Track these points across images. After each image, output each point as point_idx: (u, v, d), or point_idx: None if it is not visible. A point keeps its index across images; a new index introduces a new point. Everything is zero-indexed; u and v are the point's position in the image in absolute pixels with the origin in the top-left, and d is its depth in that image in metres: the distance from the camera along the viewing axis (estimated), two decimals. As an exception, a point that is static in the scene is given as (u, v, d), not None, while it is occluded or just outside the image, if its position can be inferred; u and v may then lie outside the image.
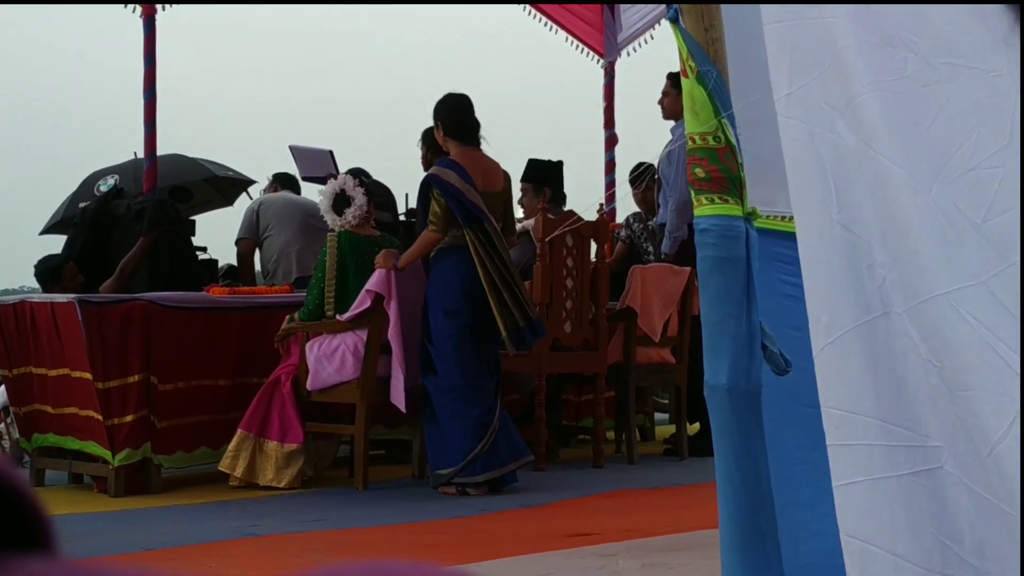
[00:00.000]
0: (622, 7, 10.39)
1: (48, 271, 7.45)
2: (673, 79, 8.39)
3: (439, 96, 6.91)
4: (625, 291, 7.78)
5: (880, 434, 2.03)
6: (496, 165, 6.87)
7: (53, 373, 6.77)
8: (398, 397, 6.63)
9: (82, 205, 8.25)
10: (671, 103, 8.37)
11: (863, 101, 2.03)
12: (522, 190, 8.16)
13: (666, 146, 8.46)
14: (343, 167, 8.35)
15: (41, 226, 9.96)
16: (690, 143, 2.41)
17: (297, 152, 8.71)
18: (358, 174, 8.28)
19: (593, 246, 7.66)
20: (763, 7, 2.16)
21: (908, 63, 2.02)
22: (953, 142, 1.97)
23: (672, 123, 8.38)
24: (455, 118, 6.81)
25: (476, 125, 6.84)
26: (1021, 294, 2.00)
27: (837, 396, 2.10)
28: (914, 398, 2.02)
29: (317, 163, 8.44)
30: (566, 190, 8.46)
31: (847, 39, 2.07)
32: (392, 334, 6.61)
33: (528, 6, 10.49)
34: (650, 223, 8.77)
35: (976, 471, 1.96)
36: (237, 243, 8.59)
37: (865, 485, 2.06)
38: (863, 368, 2.07)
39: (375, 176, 8.55)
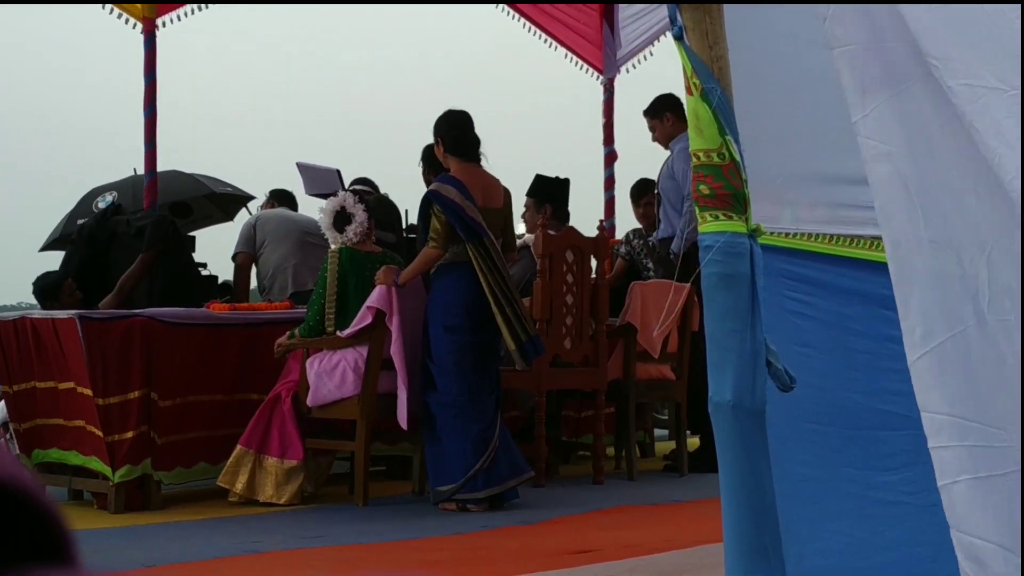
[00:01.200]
0: (621, 23, 10.42)
1: (47, 288, 7.45)
2: (651, 111, 8.48)
3: (439, 112, 6.92)
4: (625, 307, 7.79)
5: (980, 436, 2.12)
6: (496, 181, 6.87)
7: (55, 388, 6.76)
8: (400, 414, 6.62)
9: (80, 222, 8.26)
10: (662, 132, 8.46)
11: (942, 122, 2.09)
12: (525, 205, 8.17)
13: (666, 160, 8.49)
14: (347, 181, 8.36)
15: (40, 243, 9.97)
16: (694, 160, 2.42)
17: (304, 169, 8.72)
18: (364, 184, 8.30)
19: (593, 262, 7.66)
20: (827, 32, 2.21)
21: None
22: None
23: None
24: (455, 134, 6.81)
25: (476, 141, 6.85)
26: (1021, 296, 2.02)
27: (937, 402, 2.19)
28: (1008, 402, 2.11)
29: (324, 181, 8.45)
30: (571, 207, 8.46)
31: (912, 62, 2.11)
32: (395, 351, 6.61)
33: (529, 23, 10.51)
34: (650, 239, 8.78)
35: None
36: (234, 257, 8.60)
37: (968, 484, 2.15)
38: (962, 374, 2.16)
39: (380, 188, 8.56)
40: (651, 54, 10.59)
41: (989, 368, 2.14)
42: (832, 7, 2.24)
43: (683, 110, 8.69)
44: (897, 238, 2.22)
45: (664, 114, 8.44)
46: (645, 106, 8.67)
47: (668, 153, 8.53)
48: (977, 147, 2.08)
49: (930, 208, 2.17)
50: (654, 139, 8.58)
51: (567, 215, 8.08)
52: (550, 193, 8.06)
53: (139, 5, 8.53)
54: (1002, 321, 2.12)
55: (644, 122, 8.72)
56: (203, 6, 8.84)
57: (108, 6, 8.63)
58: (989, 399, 2.14)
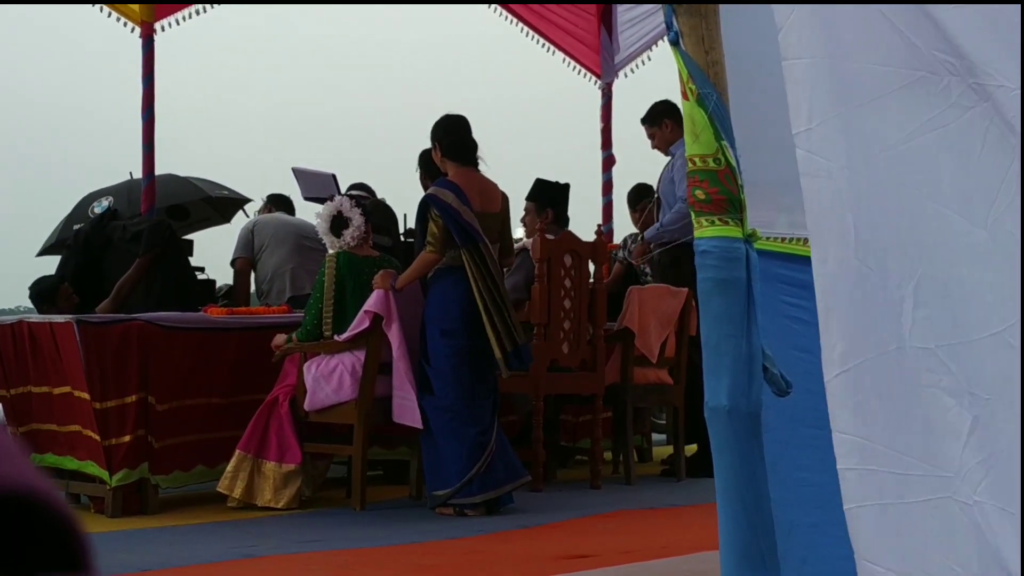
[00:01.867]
0: (619, 28, 10.43)
1: (43, 292, 7.44)
2: (649, 119, 8.51)
3: (437, 117, 6.93)
4: (622, 312, 7.79)
5: (891, 462, 2.08)
6: (494, 186, 6.87)
7: (52, 392, 6.76)
8: (413, 415, 6.58)
9: (76, 227, 8.26)
10: (661, 139, 8.49)
11: (912, 142, 2.08)
12: (525, 209, 8.17)
13: (666, 165, 8.50)
14: (344, 187, 8.36)
15: (37, 247, 9.96)
16: (690, 165, 2.42)
17: (300, 174, 8.73)
18: (361, 189, 8.31)
19: (591, 267, 7.66)
20: (781, 43, 2.21)
21: (952, 88, 2.05)
22: (1001, 165, 2.00)
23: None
24: (452, 139, 6.82)
25: (474, 146, 6.86)
26: (1021, 299, 2.01)
27: (849, 422, 2.15)
28: (932, 430, 2.08)
29: (320, 185, 8.46)
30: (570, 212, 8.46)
31: (885, 78, 2.11)
32: (397, 355, 6.60)
33: (527, 28, 10.52)
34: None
35: (1012, 496, 2.02)
36: (233, 262, 8.61)
37: (875, 509, 2.13)
38: (877, 398, 2.13)
39: (377, 194, 8.57)
40: (649, 59, 10.61)
41: (905, 395, 2.13)
42: (791, 16, 2.24)
43: (679, 114, 8.73)
44: (825, 254, 2.21)
45: (662, 121, 8.46)
46: (642, 112, 8.68)
47: (667, 158, 8.54)
48: (920, 174, 2.08)
49: (862, 230, 2.16)
50: (653, 146, 8.61)
51: (567, 220, 8.09)
52: (552, 197, 8.06)
53: (137, 10, 8.53)
54: (923, 349, 2.11)
55: (642, 127, 8.73)
56: (202, 10, 8.84)
57: (106, 10, 8.63)
58: (902, 426, 2.12)
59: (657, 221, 8.60)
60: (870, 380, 2.13)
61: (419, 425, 6.58)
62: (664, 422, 9.52)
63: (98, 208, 8.54)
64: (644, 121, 8.63)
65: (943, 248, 2.08)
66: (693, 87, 2.39)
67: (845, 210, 2.16)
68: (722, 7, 2.40)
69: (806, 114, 2.21)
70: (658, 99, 8.62)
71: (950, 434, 2.09)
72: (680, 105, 2.43)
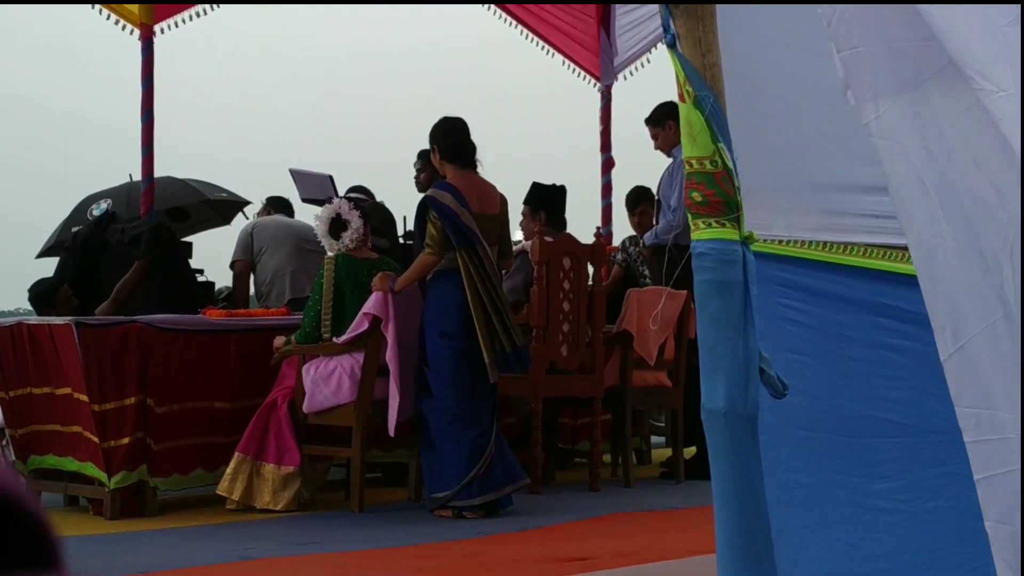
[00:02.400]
0: (618, 31, 10.43)
1: (42, 295, 7.44)
2: (653, 120, 8.53)
3: (435, 120, 6.94)
4: (621, 314, 7.79)
5: (1015, 427, 2.12)
6: (492, 188, 6.88)
7: (51, 394, 6.76)
8: (390, 421, 6.62)
9: (75, 230, 8.26)
10: (664, 140, 8.51)
11: (975, 113, 2.10)
12: (522, 212, 8.18)
13: (667, 167, 8.51)
14: (342, 190, 8.37)
15: (36, 248, 9.96)
16: (687, 167, 2.42)
17: (297, 175, 8.74)
18: (360, 191, 8.32)
19: (590, 269, 7.66)
20: (833, 37, 2.22)
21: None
22: None
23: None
24: (451, 141, 6.83)
25: (472, 148, 6.87)
26: (1021, 300, 2.02)
27: (971, 397, 2.21)
28: None
29: (317, 187, 8.48)
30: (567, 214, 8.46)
31: (934, 54, 2.12)
32: (390, 357, 6.61)
33: (526, 30, 10.53)
34: (641, 241, 8.82)
35: None
36: (232, 265, 8.61)
37: (1008, 476, 2.17)
38: (993, 368, 2.17)
39: (376, 196, 8.58)
40: (648, 61, 10.61)
41: (1019, 360, 2.16)
42: (837, 10, 2.24)
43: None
44: (919, 237, 2.23)
45: (666, 122, 8.47)
46: (644, 114, 8.70)
47: (667, 161, 8.55)
48: (991, 143, 2.09)
49: (949, 205, 2.18)
50: (656, 147, 8.62)
51: (564, 222, 8.09)
52: (545, 200, 8.06)
53: (136, 12, 8.53)
54: None
55: (641, 129, 8.74)
56: (201, 12, 8.85)
57: (105, 12, 8.64)
58: (1016, 389, 2.15)
59: (655, 222, 8.61)
60: (984, 352, 2.17)
61: (391, 433, 6.61)
62: (663, 424, 9.52)
63: (96, 210, 8.54)
64: (648, 122, 8.64)
65: (1004, 214, 2.09)
66: (690, 89, 2.39)
67: (929, 189, 2.18)
68: (719, 10, 2.40)
69: (872, 102, 2.22)
70: (657, 102, 8.63)
71: None
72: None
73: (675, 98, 2.51)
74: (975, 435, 2.18)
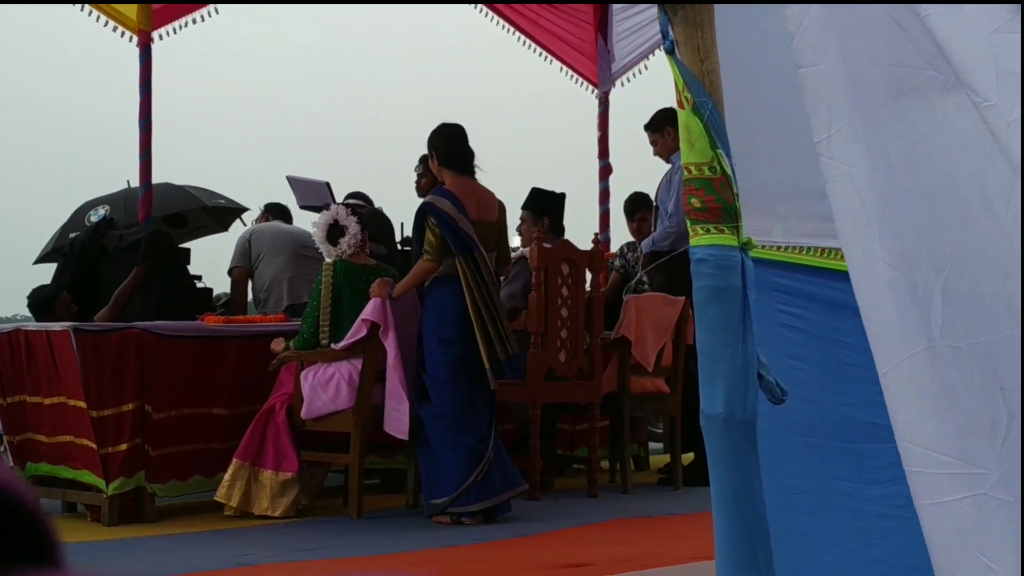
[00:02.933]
0: (616, 37, 10.44)
1: (41, 301, 7.45)
2: (652, 126, 8.54)
3: (433, 126, 6.94)
4: (619, 320, 7.79)
5: (927, 462, 2.12)
6: (491, 194, 6.88)
7: (48, 401, 6.76)
8: (400, 426, 6.60)
9: (72, 236, 8.26)
10: (663, 146, 8.51)
11: (929, 142, 2.10)
12: (521, 218, 8.18)
13: (666, 174, 8.51)
14: (339, 196, 8.38)
15: (34, 254, 9.96)
16: (686, 173, 2.43)
17: (295, 182, 8.75)
18: (358, 198, 8.32)
19: (588, 275, 7.66)
20: (795, 51, 2.22)
21: (958, 86, 2.06)
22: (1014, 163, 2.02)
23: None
24: (450, 147, 6.83)
25: (471, 154, 6.87)
26: (1021, 303, 2.02)
27: (896, 424, 2.22)
28: (968, 428, 2.10)
29: (314, 193, 8.49)
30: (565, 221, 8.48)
31: (898, 79, 2.12)
32: (392, 363, 6.61)
33: (523, 36, 10.54)
34: (639, 248, 8.82)
35: None
36: (230, 271, 8.62)
37: (923, 509, 2.19)
38: (913, 397, 2.19)
39: (374, 202, 8.59)
40: (645, 68, 10.62)
41: (939, 393, 2.15)
42: (802, 23, 2.25)
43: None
44: (856, 259, 2.24)
45: (666, 128, 8.47)
46: (642, 120, 8.70)
47: (666, 167, 8.55)
48: (939, 174, 2.10)
49: (888, 231, 2.18)
50: (655, 153, 8.63)
51: (563, 229, 8.10)
52: (548, 206, 8.07)
53: (135, 18, 8.54)
54: (953, 348, 2.13)
55: (639, 135, 8.74)
56: (199, 18, 8.86)
57: (103, 19, 8.64)
58: (937, 424, 2.14)
59: (653, 229, 8.62)
60: (906, 380, 2.16)
61: (405, 437, 6.60)
62: (661, 431, 9.52)
63: (94, 217, 8.54)
64: (647, 127, 8.65)
65: (967, 247, 2.09)
66: (689, 96, 2.40)
67: (870, 214, 2.18)
68: (717, 16, 2.41)
69: (825, 120, 2.23)
70: (655, 108, 8.63)
71: (985, 431, 2.11)
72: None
73: (673, 105, 2.51)
74: (906, 464, 2.21)
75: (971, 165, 2.07)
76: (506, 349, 6.60)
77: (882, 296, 2.18)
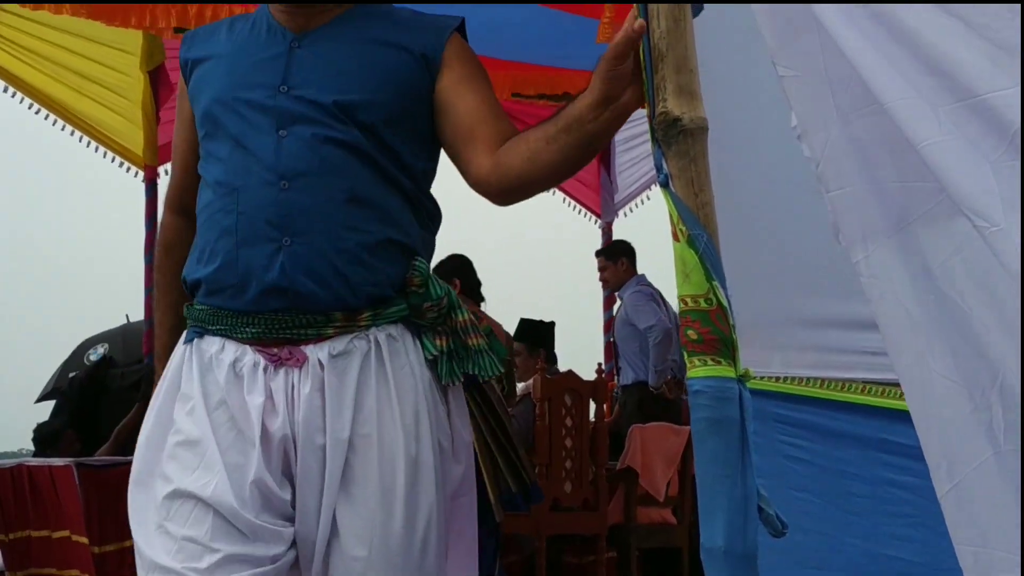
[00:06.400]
0: (618, 168, 10.54)
1: (47, 437, 7.44)
2: (606, 254, 8.62)
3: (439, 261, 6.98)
4: (625, 451, 7.75)
5: (1009, 566, 2.11)
6: (498, 326, 6.89)
7: (49, 537, 6.70)
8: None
9: (71, 375, 8.26)
10: (614, 275, 8.60)
11: (965, 252, 2.11)
12: (516, 351, 8.19)
13: (618, 310, 8.61)
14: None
15: (36, 391, 9.95)
16: (682, 305, 2.43)
17: None
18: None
19: (592, 405, 7.64)
20: (821, 176, 2.25)
21: None
22: None
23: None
24: (465, 277, 6.87)
25: (478, 284, 6.91)
26: (1021, 308, 2.01)
27: (966, 534, 2.19)
28: None
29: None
30: (564, 350, 8.51)
31: (925, 193, 2.14)
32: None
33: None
34: (616, 392, 8.85)
35: None
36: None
37: None
38: (986, 506, 2.16)
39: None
40: (648, 198, 10.70)
41: (1009, 499, 2.14)
42: (825, 150, 2.27)
43: (635, 257, 8.85)
44: (909, 375, 2.24)
45: (619, 259, 8.58)
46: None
47: (668, 292, 8.60)
48: (978, 285, 2.10)
49: (936, 345, 2.18)
50: (602, 278, 8.71)
51: (555, 358, 8.11)
52: (541, 336, 8.09)
53: (140, 153, 8.62)
54: (1016, 451, 2.12)
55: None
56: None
57: (109, 155, 8.74)
58: (1012, 530, 2.13)
59: (615, 364, 8.67)
60: (977, 490, 2.15)
61: None
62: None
63: (93, 356, 8.55)
64: (601, 253, 8.76)
65: (1014, 346, 2.09)
66: (684, 228, 2.41)
67: (918, 328, 2.19)
68: (711, 150, 2.43)
69: (860, 241, 2.25)
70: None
71: None
72: (671, 246, 2.44)
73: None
74: (974, 573, 2.16)
75: (999, 272, 2.08)
76: (521, 479, 6.55)
77: (941, 408, 2.18)
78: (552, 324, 8.22)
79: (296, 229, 2.59)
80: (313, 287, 2.58)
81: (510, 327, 7.12)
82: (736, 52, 3.19)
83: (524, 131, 2.70)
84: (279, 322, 2.62)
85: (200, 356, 2.72)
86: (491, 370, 2.84)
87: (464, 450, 2.88)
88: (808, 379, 3.35)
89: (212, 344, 2.71)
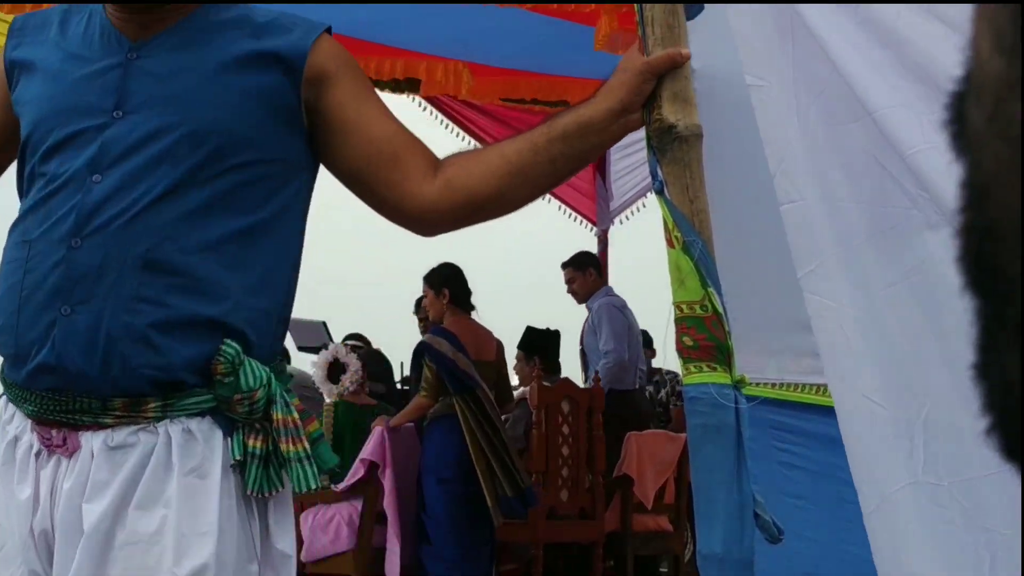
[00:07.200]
0: (614, 176, 10.53)
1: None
2: (573, 264, 8.63)
3: (431, 267, 7.00)
4: (621, 458, 7.75)
5: None
6: (488, 334, 6.91)
7: None
8: (392, 569, 6.55)
9: None
10: (583, 285, 8.61)
11: (911, 279, 2.11)
12: (516, 357, 8.20)
13: (586, 320, 8.63)
14: (337, 337, 8.40)
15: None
16: (677, 312, 2.43)
17: (291, 324, 8.77)
18: (356, 339, 8.36)
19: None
20: (777, 189, 2.25)
21: (941, 225, 2.08)
22: None
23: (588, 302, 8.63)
24: (456, 287, 6.90)
25: (468, 293, 6.93)
26: (1021, 316, 2.00)
27: (885, 556, 2.20)
28: (950, 567, 2.08)
29: (311, 333, 8.51)
30: (561, 357, 8.50)
31: (881, 217, 2.14)
32: (387, 504, 6.56)
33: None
34: (648, 388, 8.82)
35: None
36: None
37: None
38: (900, 535, 2.17)
39: (372, 343, 8.61)
40: (644, 206, 10.69)
41: (921, 531, 2.13)
42: (783, 165, 2.27)
43: (600, 267, 8.88)
44: (839, 393, 2.24)
45: (588, 268, 8.60)
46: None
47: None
48: (920, 311, 2.10)
49: (869, 368, 2.18)
50: (570, 290, 8.73)
51: (558, 366, 8.11)
52: (539, 345, 8.10)
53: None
54: (935, 485, 2.12)
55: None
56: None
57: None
58: (922, 562, 2.12)
59: (583, 373, 8.71)
60: (892, 518, 2.14)
61: None
62: (666, 570, 9.41)
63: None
64: (569, 264, 8.77)
65: (947, 385, 2.08)
66: (679, 235, 2.41)
67: (853, 349, 2.18)
68: (706, 156, 2.43)
69: (807, 256, 2.25)
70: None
71: (969, 571, 2.08)
72: (666, 253, 2.45)
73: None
74: None
75: (953, 302, 2.07)
76: (516, 483, 6.56)
77: (865, 431, 2.18)
78: (557, 333, 8.23)
79: (78, 297, 2.18)
80: (82, 366, 2.17)
81: (504, 334, 7.14)
82: (731, 59, 3.19)
83: (477, 150, 2.47)
84: (53, 403, 2.21)
85: None
86: (302, 485, 2.23)
87: (282, 570, 2.29)
88: (804, 385, 3.34)
89: (8, 408, 2.34)
